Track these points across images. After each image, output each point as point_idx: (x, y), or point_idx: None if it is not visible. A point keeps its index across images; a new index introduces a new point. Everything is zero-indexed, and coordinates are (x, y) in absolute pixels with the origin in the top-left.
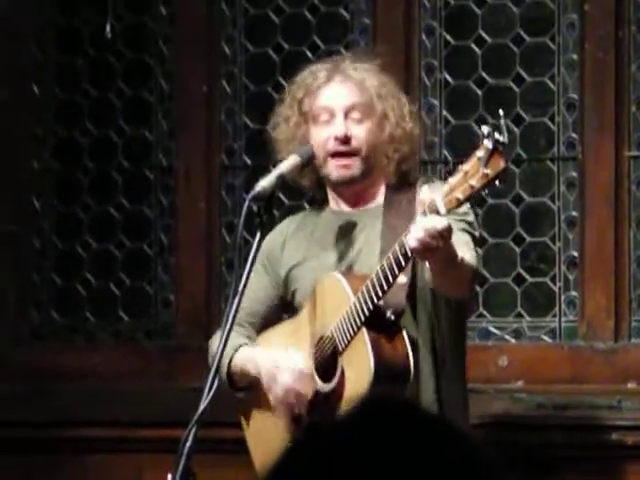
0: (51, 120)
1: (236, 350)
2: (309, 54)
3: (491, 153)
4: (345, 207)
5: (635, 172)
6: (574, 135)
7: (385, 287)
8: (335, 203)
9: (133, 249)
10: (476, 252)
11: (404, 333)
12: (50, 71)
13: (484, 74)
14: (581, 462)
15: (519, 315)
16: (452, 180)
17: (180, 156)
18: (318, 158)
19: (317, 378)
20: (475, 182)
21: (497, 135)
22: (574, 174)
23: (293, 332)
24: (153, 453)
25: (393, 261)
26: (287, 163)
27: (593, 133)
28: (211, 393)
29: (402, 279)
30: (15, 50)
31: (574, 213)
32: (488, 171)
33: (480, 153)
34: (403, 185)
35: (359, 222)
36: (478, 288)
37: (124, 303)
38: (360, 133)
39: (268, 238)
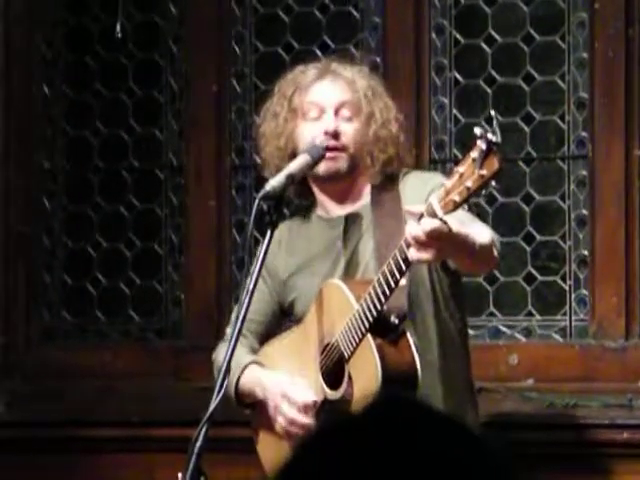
0: (61, 120)
1: (243, 369)
2: (319, 53)
3: (485, 154)
4: (333, 211)
5: None
6: (584, 134)
7: (388, 292)
8: (322, 208)
9: (143, 248)
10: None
11: (408, 337)
12: (60, 71)
13: (494, 73)
14: (592, 460)
15: (529, 314)
16: (448, 183)
17: (190, 155)
18: None
19: (325, 386)
20: (471, 184)
21: (490, 136)
22: (584, 173)
23: (298, 343)
24: (164, 452)
25: (394, 266)
26: (297, 162)
27: (603, 132)
28: (221, 392)
29: (402, 281)
30: (25, 50)
31: (584, 212)
32: (483, 172)
33: (474, 154)
34: (387, 184)
35: (349, 226)
36: (488, 287)
37: (134, 302)
38: (349, 130)
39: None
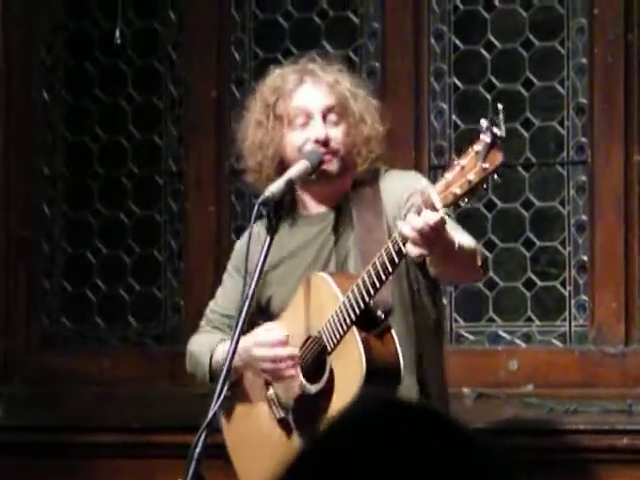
0: (61, 125)
1: (217, 345)
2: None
3: (489, 147)
4: (313, 208)
5: None
6: (584, 139)
7: (378, 285)
8: (302, 206)
9: (143, 254)
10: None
11: (393, 332)
12: (60, 76)
13: (493, 78)
14: (591, 466)
15: (529, 319)
16: (448, 175)
17: (190, 161)
18: (294, 161)
19: (304, 380)
20: (473, 176)
21: (495, 129)
22: (584, 178)
23: None
24: (163, 458)
25: (387, 259)
26: (297, 168)
27: (602, 137)
28: (220, 398)
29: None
30: (25, 55)
31: (584, 217)
32: (486, 165)
33: (478, 147)
34: (367, 181)
35: (329, 222)
36: (488, 292)
37: (134, 308)
38: (338, 135)
39: (239, 244)
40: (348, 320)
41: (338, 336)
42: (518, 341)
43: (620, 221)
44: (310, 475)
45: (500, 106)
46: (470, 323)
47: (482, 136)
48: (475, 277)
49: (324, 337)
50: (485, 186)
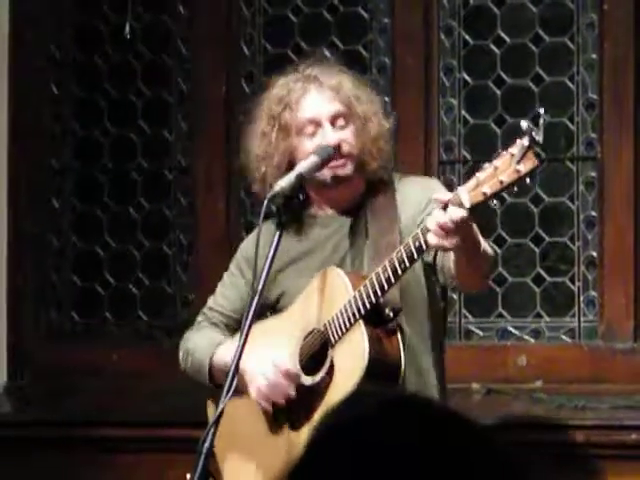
0: (70, 120)
1: (217, 345)
2: (328, 54)
3: (526, 150)
4: (326, 210)
5: None
6: (593, 135)
7: (393, 280)
8: (317, 207)
9: (152, 249)
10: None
11: (398, 335)
12: (69, 71)
13: (503, 74)
14: (600, 462)
15: (538, 315)
16: (480, 175)
17: (199, 156)
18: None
19: (301, 372)
20: (505, 177)
21: (534, 134)
22: (593, 174)
23: (280, 329)
24: (173, 453)
25: (405, 255)
26: (306, 163)
27: (612, 133)
28: (230, 393)
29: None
30: (35, 50)
31: (593, 213)
32: (520, 168)
33: (514, 150)
34: (380, 183)
35: (343, 225)
36: (497, 288)
37: (143, 303)
38: (348, 138)
39: (245, 244)
40: (357, 314)
41: (344, 329)
42: (527, 337)
43: (629, 217)
44: (322, 471)
45: (542, 110)
46: (479, 319)
47: (519, 140)
48: (483, 286)
49: (329, 330)
50: (516, 188)
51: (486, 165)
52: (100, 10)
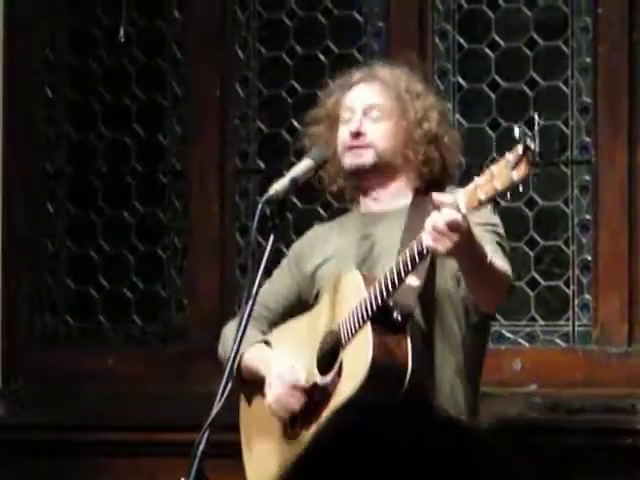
0: (65, 123)
1: (252, 344)
2: (322, 58)
3: (520, 158)
4: (369, 207)
5: None
6: (587, 139)
7: (396, 283)
8: (363, 204)
9: (147, 253)
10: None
11: (408, 340)
12: (64, 74)
13: (497, 78)
14: (595, 466)
15: (533, 319)
16: (479, 180)
17: (194, 160)
18: (342, 155)
19: (316, 371)
20: (499, 184)
21: (528, 141)
22: (587, 178)
23: (304, 329)
24: (166, 457)
25: (408, 258)
26: (300, 167)
27: (606, 137)
28: (224, 397)
29: (415, 281)
30: (29, 53)
31: (588, 217)
32: (513, 174)
33: (509, 156)
34: (431, 190)
35: (382, 223)
36: None
37: (138, 307)
38: (376, 131)
39: (298, 243)
40: (365, 316)
41: (353, 330)
42: (522, 341)
43: (624, 221)
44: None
45: (536, 115)
46: None
47: (517, 145)
48: (497, 302)
49: (341, 330)
50: (510, 195)
51: (486, 169)
52: (94, 14)
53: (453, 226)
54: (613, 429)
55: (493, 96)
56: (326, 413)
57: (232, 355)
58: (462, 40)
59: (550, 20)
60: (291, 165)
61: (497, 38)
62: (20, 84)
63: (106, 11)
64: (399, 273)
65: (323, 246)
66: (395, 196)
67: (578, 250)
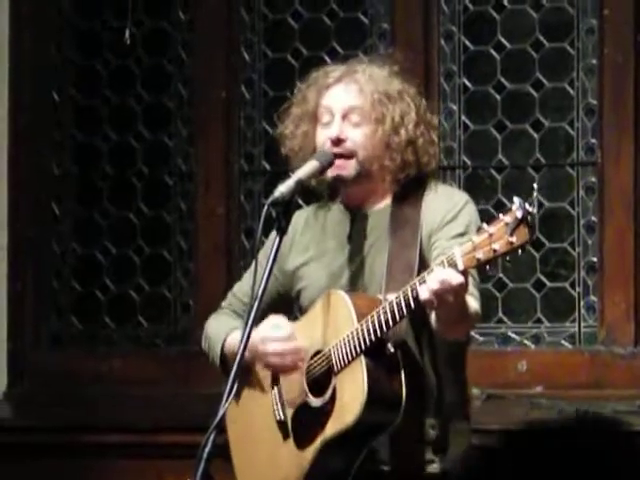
0: (71, 125)
1: (230, 331)
2: (328, 59)
3: (519, 222)
4: (352, 207)
5: None
6: (593, 140)
7: (391, 324)
8: (344, 202)
9: (152, 255)
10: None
11: (400, 366)
12: (70, 76)
13: (503, 79)
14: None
15: (538, 320)
16: (476, 239)
17: (199, 162)
18: None
19: (308, 391)
20: (498, 247)
21: (528, 206)
22: (593, 179)
23: None
24: (172, 458)
25: (403, 302)
26: (306, 168)
27: (612, 138)
28: (230, 398)
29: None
30: (35, 55)
31: (593, 218)
32: (513, 239)
33: (508, 219)
34: (411, 191)
35: (368, 224)
36: (497, 293)
37: (143, 308)
38: (356, 136)
39: (274, 234)
40: (358, 348)
41: (346, 360)
42: (527, 342)
43: (629, 222)
44: None
45: (535, 186)
46: (479, 324)
47: (514, 209)
48: (463, 338)
49: (333, 356)
50: (508, 258)
51: (484, 228)
52: (100, 15)
53: (452, 288)
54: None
55: (499, 98)
56: (319, 440)
57: (238, 359)
58: (467, 42)
59: (556, 21)
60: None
61: (503, 40)
62: (26, 85)
63: (112, 13)
64: (394, 315)
65: (305, 243)
66: (374, 197)
67: (584, 251)
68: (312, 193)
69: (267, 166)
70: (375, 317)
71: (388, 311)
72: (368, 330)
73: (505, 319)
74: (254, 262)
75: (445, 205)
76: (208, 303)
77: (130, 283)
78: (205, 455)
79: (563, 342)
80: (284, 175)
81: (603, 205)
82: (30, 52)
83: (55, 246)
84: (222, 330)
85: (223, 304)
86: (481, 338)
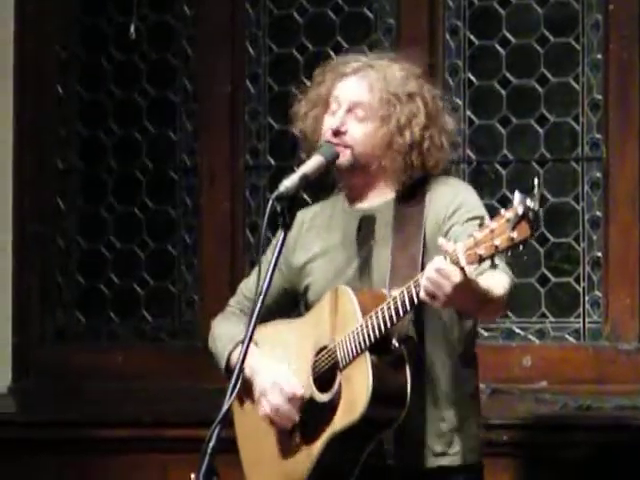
0: (75, 120)
1: (237, 344)
2: (333, 54)
3: (520, 218)
4: (355, 204)
5: None
6: (598, 135)
7: (395, 320)
8: (346, 199)
9: (157, 249)
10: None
11: (406, 361)
12: (74, 71)
13: (508, 74)
14: (605, 462)
15: (543, 315)
16: (478, 235)
17: (204, 156)
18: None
19: (314, 386)
20: (499, 243)
21: (529, 202)
22: (598, 174)
23: (296, 335)
24: (177, 453)
25: (407, 297)
26: (311, 163)
27: (617, 133)
28: (234, 393)
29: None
30: (40, 50)
31: (598, 213)
32: (514, 235)
33: (509, 215)
34: (413, 187)
35: (372, 220)
36: None
37: (148, 303)
38: (357, 131)
39: (280, 232)
40: (363, 344)
41: (351, 356)
42: (532, 337)
43: (634, 217)
44: None
45: (536, 181)
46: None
47: (515, 204)
48: (496, 317)
49: (338, 352)
50: (510, 253)
51: (486, 224)
52: (105, 11)
53: (453, 286)
54: (624, 426)
55: (504, 93)
56: (326, 434)
57: (243, 350)
58: (473, 37)
59: (561, 16)
60: (302, 162)
61: (508, 35)
62: (31, 80)
63: (117, 8)
64: (397, 311)
65: (311, 239)
66: (376, 194)
67: (588, 247)
68: (317, 185)
69: (272, 161)
70: (380, 313)
71: (392, 307)
72: (373, 326)
73: (510, 314)
74: (261, 260)
75: (450, 193)
76: (212, 298)
77: (135, 278)
78: (209, 450)
79: (568, 337)
80: (289, 170)
81: (608, 200)
82: (35, 47)
83: (60, 241)
84: (229, 337)
85: (231, 302)
86: (486, 333)
